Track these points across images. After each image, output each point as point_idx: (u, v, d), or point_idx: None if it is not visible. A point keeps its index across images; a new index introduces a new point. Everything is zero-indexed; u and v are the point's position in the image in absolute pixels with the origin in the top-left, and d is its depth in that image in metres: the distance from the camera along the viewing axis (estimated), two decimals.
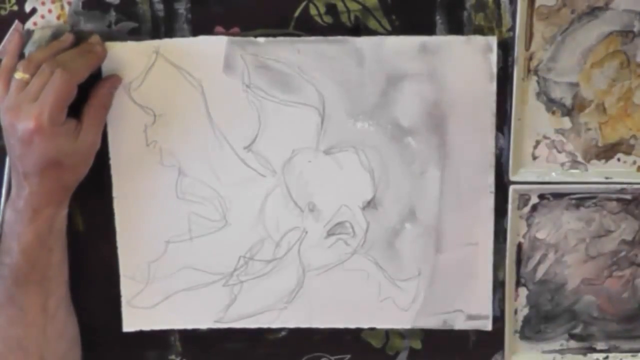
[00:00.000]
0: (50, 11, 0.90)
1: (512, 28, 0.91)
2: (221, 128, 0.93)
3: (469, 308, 0.98)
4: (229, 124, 0.93)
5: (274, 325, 0.99)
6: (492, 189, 0.94)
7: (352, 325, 0.99)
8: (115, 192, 0.95)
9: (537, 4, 0.90)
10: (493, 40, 0.91)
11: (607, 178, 0.95)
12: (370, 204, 0.95)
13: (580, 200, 0.96)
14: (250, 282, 0.97)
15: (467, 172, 0.94)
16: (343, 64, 0.91)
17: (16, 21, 0.89)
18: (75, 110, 0.88)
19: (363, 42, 0.91)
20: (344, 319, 0.99)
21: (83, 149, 0.87)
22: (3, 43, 0.89)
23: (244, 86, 0.92)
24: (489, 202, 0.95)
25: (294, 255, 0.97)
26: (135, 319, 0.98)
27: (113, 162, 0.94)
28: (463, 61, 0.91)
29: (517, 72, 0.91)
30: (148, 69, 0.91)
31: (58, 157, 0.85)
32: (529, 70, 0.92)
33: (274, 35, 0.91)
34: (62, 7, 0.89)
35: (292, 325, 0.99)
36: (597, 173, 0.96)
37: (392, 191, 0.95)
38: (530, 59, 0.92)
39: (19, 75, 0.84)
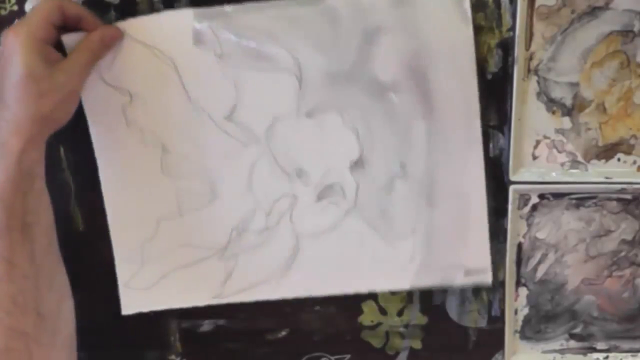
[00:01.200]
0: None
1: (512, 28, 0.90)
2: (199, 101, 0.92)
3: (468, 262, 0.97)
4: (206, 96, 0.92)
5: (272, 297, 0.98)
6: (479, 135, 0.93)
7: (351, 290, 0.99)
8: (102, 176, 0.94)
9: (537, 4, 0.89)
10: None
11: (607, 178, 0.95)
12: (357, 164, 0.94)
13: (580, 200, 0.96)
14: (245, 254, 0.97)
15: (453, 122, 0.93)
16: (316, 24, 0.90)
17: (16, 21, 0.89)
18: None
19: (335, 0, 0.89)
20: (342, 284, 0.98)
21: (56, 79, 0.84)
22: None
23: (217, 57, 0.90)
24: (478, 149, 0.93)
25: (286, 223, 0.96)
26: (133, 301, 0.98)
27: (96, 147, 0.93)
28: (437, 8, 0.89)
29: (517, 72, 0.91)
30: (117, 50, 0.90)
31: (26, 73, 0.81)
32: (529, 70, 0.92)
33: (241, 2, 0.89)
34: None
35: (290, 295, 0.98)
36: (598, 173, 0.95)
37: (378, 149, 0.94)
38: (531, 58, 0.91)
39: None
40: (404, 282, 0.98)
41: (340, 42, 0.91)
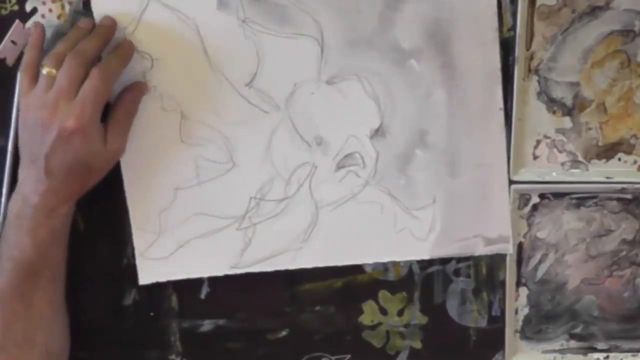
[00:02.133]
0: (50, 11, 0.89)
1: (513, 27, 0.91)
2: (220, 67, 0.91)
3: (488, 232, 0.97)
4: (227, 62, 0.91)
5: (291, 267, 0.97)
6: (501, 105, 0.93)
7: (370, 260, 0.98)
8: None
9: (537, 4, 0.90)
10: None
11: (607, 178, 0.96)
12: (378, 133, 0.94)
13: (580, 199, 0.97)
14: (263, 223, 0.96)
15: (474, 91, 0.93)
16: None
17: (16, 20, 0.89)
18: None
19: None
20: (361, 254, 0.98)
21: (109, 154, 0.88)
22: (4, 42, 0.89)
23: (240, 21, 0.90)
24: (499, 119, 0.93)
25: (305, 192, 0.96)
26: (150, 271, 0.97)
27: None
28: None
29: (517, 72, 0.92)
30: (141, 13, 0.89)
31: (88, 159, 0.85)
32: (529, 70, 0.92)
33: None
34: (62, 7, 0.89)
35: (309, 265, 0.97)
36: (598, 173, 0.96)
37: (399, 117, 0.94)
38: (531, 58, 0.92)
39: (46, 70, 0.84)
40: (423, 251, 0.97)
41: (363, 8, 0.90)
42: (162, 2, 0.89)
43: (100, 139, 0.86)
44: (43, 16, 0.89)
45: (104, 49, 0.87)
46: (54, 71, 0.84)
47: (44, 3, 0.89)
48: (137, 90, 0.90)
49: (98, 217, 0.96)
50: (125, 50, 0.89)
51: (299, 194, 0.96)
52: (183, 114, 0.93)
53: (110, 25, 0.88)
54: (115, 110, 0.89)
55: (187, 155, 0.94)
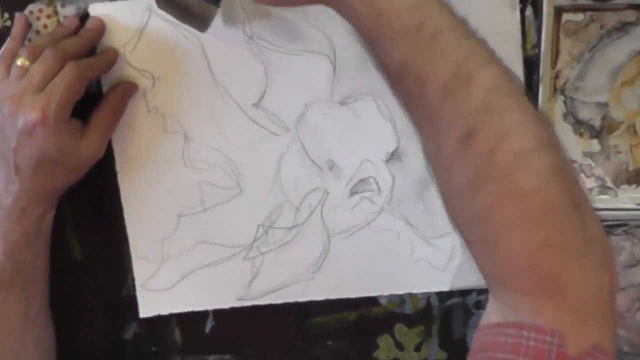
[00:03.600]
0: (45, 26, 0.88)
1: (537, 44, 0.88)
2: (226, 86, 0.89)
3: None
4: (234, 80, 0.89)
5: (301, 299, 0.94)
6: None
7: (386, 292, 0.95)
8: (118, 166, 0.91)
9: (563, 19, 0.88)
10: None
11: (638, 204, 0.92)
12: (394, 156, 0.91)
13: (609, 227, 0.93)
14: (272, 252, 0.93)
15: None
16: None
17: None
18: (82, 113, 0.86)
19: None
20: (376, 285, 0.94)
21: (84, 153, 0.85)
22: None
23: (247, 38, 0.88)
24: None
25: (316, 219, 0.92)
26: (151, 303, 0.94)
27: (113, 135, 0.90)
28: None
29: (542, 92, 0.89)
30: (142, 29, 0.87)
31: (56, 155, 0.82)
32: (555, 90, 0.90)
33: None
34: (58, 21, 0.87)
35: (321, 297, 0.94)
36: (628, 199, 0.92)
37: (416, 139, 0.88)
38: (557, 77, 0.90)
39: (20, 61, 0.82)
40: (442, 282, 0.94)
41: None
42: (164, 17, 0.85)
43: (70, 136, 0.82)
44: (38, 32, 0.88)
45: (86, 52, 0.85)
46: (27, 62, 0.82)
47: (38, 18, 0.88)
48: (123, 89, 0.88)
49: (95, 245, 0.94)
50: (108, 56, 0.87)
51: (310, 221, 0.92)
52: (186, 136, 0.90)
53: (98, 28, 0.86)
54: (98, 108, 0.86)
55: (191, 180, 0.91)
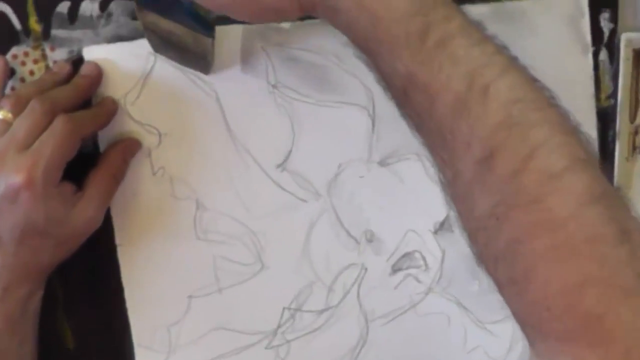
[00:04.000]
0: (32, 73, 0.82)
1: (614, 94, 0.85)
2: (245, 143, 0.83)
3: None
4: (254, 137, 0.83)
5: None
6: None
7: None
8: (119, 239, 0.84)
9: None
10: (584, 1, 0.82)
11: None
12: (443, 226, 0.86)
13: None
14: (300, 340, 0.86)
15: None
16: None
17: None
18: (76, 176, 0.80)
19: None
20: None
21: (77, 223, 0.78)
22: None
23: (270, 86, 0.82)
24: None
25: (352, 301, 0.86)
26: None
27: (112, 201, 0.83)
28: (546, 31, 0.82)
29: (619, 150, 0.85)
30: (146, 76, 0.81)
31: (45, 225, 0.76)
32: (634, 148, 0.87)
33: (302, 19, 0.79)
34: (47, 67, 0.82)
35: None
36: None
37: None
38: (636, 133, 0.87)
39: (2, 114, 0.76)
40: None
41: None
42: (171, 62, 0.80)
43: (61, 202, 0.76)
44: (22, 79, 0.82)
45: (80, 103, 0.79)
46: (10, 115, 0.76)
47: (23, 64, 0.82)
48: (124, 147, 0.82)
49: (91, 331, 0.87)
50: (106, 108, 0.81)
51: (345, 303, 0.86)
52: (199, 203, 0.84)
53: (94, 75, 0.80)
54: (94, 170, 0.80)
55: (204, 254, 0.85)
